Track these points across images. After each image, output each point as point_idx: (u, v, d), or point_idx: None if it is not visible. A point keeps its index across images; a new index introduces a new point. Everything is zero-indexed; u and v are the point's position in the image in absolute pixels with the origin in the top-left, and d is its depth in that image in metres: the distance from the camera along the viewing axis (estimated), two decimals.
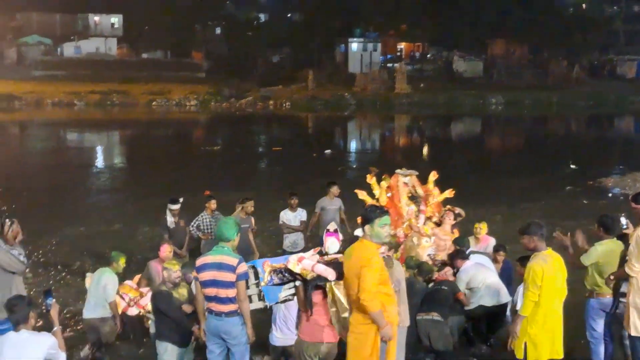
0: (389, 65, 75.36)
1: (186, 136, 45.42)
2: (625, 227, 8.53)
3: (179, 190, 17.76)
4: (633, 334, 7.70)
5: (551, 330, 7.21)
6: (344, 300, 7.14)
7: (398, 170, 11.46)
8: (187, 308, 8.44)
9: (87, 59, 75.13)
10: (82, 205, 21.15)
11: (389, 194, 11.33)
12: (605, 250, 8.18)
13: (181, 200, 12.79)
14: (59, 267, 13.97)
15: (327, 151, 34.31)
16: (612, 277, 7.98)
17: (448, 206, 11.56)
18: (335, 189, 13.43)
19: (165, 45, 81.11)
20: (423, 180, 11.47)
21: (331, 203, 13.42)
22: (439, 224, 11.22)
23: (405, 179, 11.28)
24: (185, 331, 8.34)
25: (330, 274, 7.22)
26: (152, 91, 65.45)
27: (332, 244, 8.39)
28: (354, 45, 78.67)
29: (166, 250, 10.27)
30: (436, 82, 68.25)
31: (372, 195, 11.58)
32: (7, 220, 8.01)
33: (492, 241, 11.26)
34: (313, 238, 13.92)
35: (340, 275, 7.10)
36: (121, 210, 20.04)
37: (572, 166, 28.13)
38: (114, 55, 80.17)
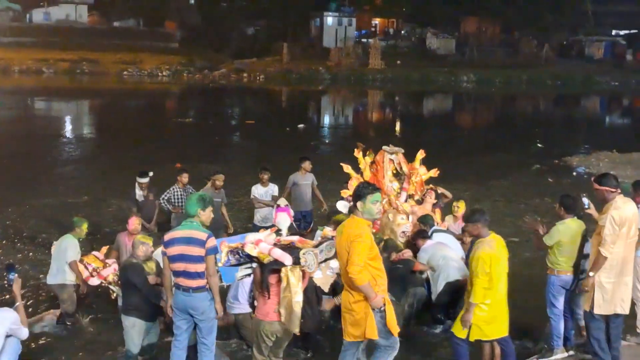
0: (364, 40, 75.17)
1: (158, 107, 45.02)
2: (587, 207, 8.67)
3: (150, 162, 17.75)
4: (596, 311, 7.84)
5: (498, 311, 7.40)
6: (298, 285, 7.21)
7: (385, 147, 11.44)
8: (152, 279, 8.51)
9: (56, 26, 73.71)
10: (49, 175, 20.93)
11: (373, 170, 11.39)
12: (566, 229, 8.35)
13: (150, 174, 12.76)
14: (24, 238, 13.86)
15: (301, 125, 34.30)
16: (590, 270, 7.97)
17: (430, 185, 11.62)
18: (307, 164, 13.46)
19: (137, 13, 79.91)
20: (409, 158, 11.47)
21: (303, 178, 13.45)
22: (421, 203, 11.30)
23: (391, 156, 11.30)
24: (154, 305, 8.40)
25: (287, 259, 7.20)
26: (123, 60, 64.70)
27: (283, 219, 8.52)
28: (329, 20, 78.22)
29: (134, 222, 10.26)
30: (409, 58, 68.31)
31: (357, 170, 11.62)
32: None
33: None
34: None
35: (296, 261, 7.20)
36: (89, 182, 19.88)
37: (539, 144, 28.43)
38: (84, 22, 78.80)
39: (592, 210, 8.62)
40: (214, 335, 7.43)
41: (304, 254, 7.27)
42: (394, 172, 11.37)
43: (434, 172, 11.62)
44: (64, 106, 43.16)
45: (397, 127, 39.94)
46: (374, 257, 6.72)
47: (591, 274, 7.75)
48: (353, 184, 11.13)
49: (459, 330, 7.49)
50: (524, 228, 10.77)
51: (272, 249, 7.30)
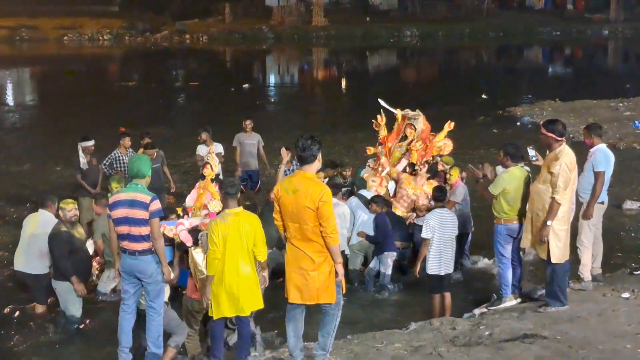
0: None
1: (100, 72, 44.20)
2: (535, 158, 8.76)
3: (93, 128, 17.46)
4: (553, 260, 7.98)
5: (235, 286, 7.23)
6: (201, 264, 7.48)
7: (406, 111, 11.46)
8: (90, 247, 8.67)
9: None
10: None
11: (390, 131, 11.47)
12: (510, 178, 8.48)
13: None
14: None
15: (246, 85, 34.09)
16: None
17: (438, 160, 11.27)
18: (247, 123, 13.45)
19: None
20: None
21: (248, 137, 13.46)
22: (415, 174, 11.17)
23: (412, 121, 11.29)
24: (87, 268, 8.81)
25: (188, 240, 7.89)
26: (63, 25, 63.17)
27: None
28: None
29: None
30: (352, 15, 67.99)
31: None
32: None
33: (460, 188, 10.57)
34: (231, 173, 14.00)
35: (195, 242, 7.78)
36: (32, 150, 19.57)
37: (483, 96, 28.73)
38: None
39: (540, 162, 8.76)
40: (162, 298, 7.38)
41: (201, 236, 7.76)
42: (403, 135, 11.39)
43: (449, 125, 11.55)
44: (3, 74, 42.04)
45: (343, 84, 39.94)
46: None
47: (548, 222, 7.88)
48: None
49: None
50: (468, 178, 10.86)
51: (180, 231, 8.01)
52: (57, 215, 9.00)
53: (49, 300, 9.25)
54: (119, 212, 7.12)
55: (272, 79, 42.58)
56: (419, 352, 7.10)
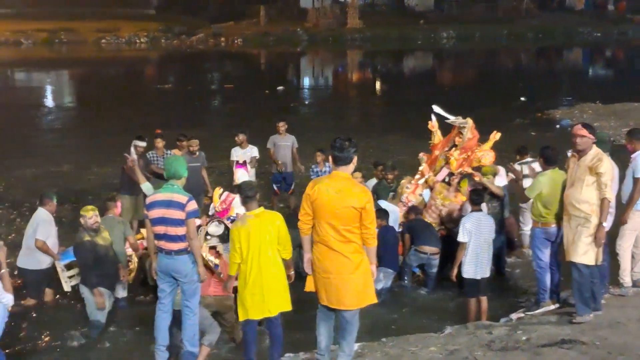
0: (341, 0, 74.56)
1: (137, 74, 44.63)
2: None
3: (130, 130, 17.60)
4: (598, 263, 7.80)
5: (259, 287, 7.20)
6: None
7: (455, 119, 11.12)
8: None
9: None
10: (30, 145, 20.82)
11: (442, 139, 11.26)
12: (547, 181, 8.37)
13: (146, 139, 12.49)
14: (8, 208, 13.84)
15: (280, 88, 34.15)
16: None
17: (474, 173, 10.61)
18: (281, 125, 13.45)
19: None
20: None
21: (282, 139, 13.47)
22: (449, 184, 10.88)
23: (462, 130, 10.94)
24: (113, 273, 8.86)
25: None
26: (101, 29, 63.87)
27: (241, 174, 8.78)
28: None
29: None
30: (388, 16, 67.84)
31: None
32: None
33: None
34: (266, 175, 14.02)
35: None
36: (71, 151, 19.81)
37: (522, 98, 28.45)
38: None
39: None
40: (197, 297, 7.44)
41: (200, 230, 8.25)
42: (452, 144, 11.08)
43: (494, 136, 11.01)
44: (43, 76, 42.64)
45: (377, 87, 39.85)
46: None
47: (605, 224, 7.66)
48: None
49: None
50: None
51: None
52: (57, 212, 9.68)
53: (54, 295, 9.61)
54: (156, 213, 7.20)
55: (306, 82, 42.64)
56: (454, 355, 7.04)
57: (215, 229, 8.72)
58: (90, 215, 8.60)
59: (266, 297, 7.20)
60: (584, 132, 7.71)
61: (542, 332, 7.46)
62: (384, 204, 10.34)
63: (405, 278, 10.15)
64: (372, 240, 6.49)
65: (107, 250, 8.81)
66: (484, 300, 8.80)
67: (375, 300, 6.65)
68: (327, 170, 12.65)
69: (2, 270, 6.62)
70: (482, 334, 7.72)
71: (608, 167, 7.67)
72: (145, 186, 10.18)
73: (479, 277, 8.69)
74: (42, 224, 9.40)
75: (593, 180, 7.64)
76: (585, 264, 7.72)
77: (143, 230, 9.87)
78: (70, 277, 9.61)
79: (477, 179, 10.26)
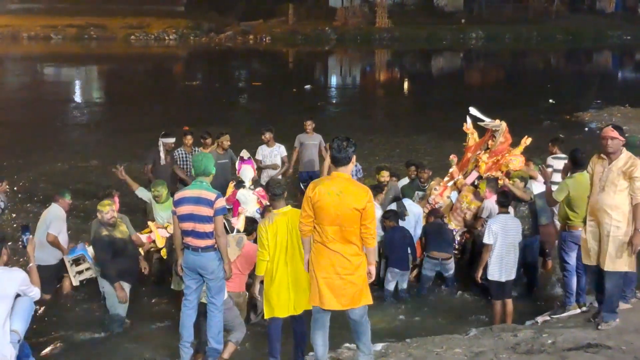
0: None
1: (165, 71, 44.87)
2: None
3: (158, 126, 17.69)
4: (630, 269, 7.64)
5: (285, 285, 7.23)
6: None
7: (487, 123, 10.94)
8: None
9: None
10: (59, 140, 21.06)
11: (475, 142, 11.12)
12: (575, 184, 8.28)
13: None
14: (36, 202, 13.97)
15: (307, 86, 34.18)
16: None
17: (499, 177, 10.45)
18: (308, 124, 13.43)
19: None
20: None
21: (310, 138, 13.45)
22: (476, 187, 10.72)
23: (495, 133, 10.79)
24: (134, 267, 8.85)
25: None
26: (130, 25, 64.34)
27: (246, 170, 8.82)
28: None
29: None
30: (417, 16, 67.58)
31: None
32: None
33: (487, 203, 10.01)
34: (293, 173, 14.02)
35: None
36: (98, 146, 19.97)
37: (551, 100, 28.24)
38: None
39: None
40: (223, 295, 7.48)
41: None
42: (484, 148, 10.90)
43: (525, 141, 10.85)
44: (72, 72, 43.07)
45: (406, 86, 39.74)
46: None
47: None
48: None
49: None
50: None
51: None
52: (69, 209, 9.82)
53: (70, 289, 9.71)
54: (184, 209, 7.23)
55: (333, 80, 42.61)
56: (479, 358, 7.01)
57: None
58: (107, 210, 8.57)
59: (292, 295, 7.22)
60: (615, 133, 7.45)
61: (567, 336, 7.40)
62: (407, 202, 10.27)
63: (425, 287, 10.08)
64: (371, 240, 6.45)
65: (126, 244, 8.78)
66: (509, 302, 8.76)
67: (370, 302, 6.60)
68: (354, 169, 12.64)
69: (31, 264, 6.68)
70: (507, 336, 7.68)
71: None
72: (140, 191, 10.30)
73: (504, 280, 8.65)
74: (55, 220, 9.53)
75: (626, 185, 7.39)
76: (620, 273, 7.54)
77: (151, 224, 9.91)
78: (79, 272, 9.67)
79: (500, 182, 10.15)
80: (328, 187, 6.38)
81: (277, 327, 7.44)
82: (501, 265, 8.62)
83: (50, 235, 9.41)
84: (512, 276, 8.77)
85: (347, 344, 7.66)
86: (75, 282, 9.66)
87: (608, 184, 7.47)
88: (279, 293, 7.21)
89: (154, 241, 9.88)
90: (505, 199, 9.01)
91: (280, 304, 7.24)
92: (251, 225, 8.93)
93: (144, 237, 9.68)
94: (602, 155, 7.61)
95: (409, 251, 9.81)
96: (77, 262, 9.67)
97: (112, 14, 65.35)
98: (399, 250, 9.73)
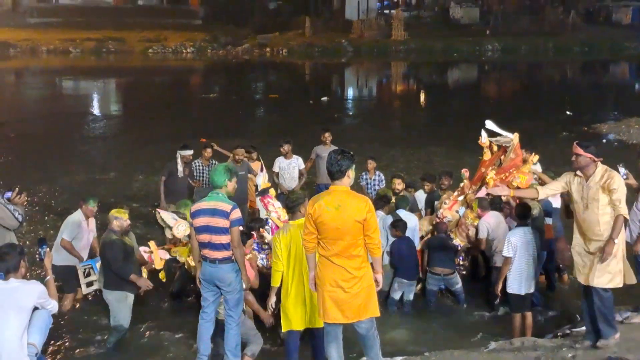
0: (386, 12, 74.51)
1: (183, 83, 45.09)
2: (625, 177, 8.42)
3: (175, 138, 17.78)
4: (627, 282, 7.61)
5: (301, 297, 7.21)
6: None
7: (499, 139, 10.74)
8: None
9: (82, 6, 73.81)
10: (77, 152, 21.19)
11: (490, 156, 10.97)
12: None
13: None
14: (54, 214, 14.02)
15: (324, 98, 34.22)
16: None
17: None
18: (327, 135, 13.41)
19: None
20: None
21: (326, 150, 13.36)
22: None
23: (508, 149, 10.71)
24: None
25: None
26: (148, 38, 64.77)
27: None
28: None
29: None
30: (433, 28, 67.59)
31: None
32: (17, 188, 8.10)
33: (482, 224, 9.94)
34: (309, 185, 14.01)
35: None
36: (116, 158, 20.08)
37: (568, 112, 28.11)
38: (109, 2, 78.87)
39: (631, 180, 8.40)
40: (241, 307, 7.47)
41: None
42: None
43: (531, 160, 10.40)
44: (91, 85, 43.36)
45: (422, 98, 39.70)
46: None
47: (616, 240, 7.29)
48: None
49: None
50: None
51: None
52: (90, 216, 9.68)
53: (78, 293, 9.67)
54: (201, 221, 7.22)
55: (350, 92, 42.63)
56: None
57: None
58: (126, 217, 8.60)
59: (309, 308, 7.19)
60: (579, 150, 7.43)
61: (588, 349, 7.33)
62: (402, 213, 10.15)
63: (431, 302, 10.00)
64: (377, 250, 6.41)
65: (133, 253, 8.74)
66: (529, 315, 8.69)
67: (377, 314, 6.54)
68: (376, 179, 12.62)
69: (48, 277, 6.67)
70: (527, 350, 7.60)
71: (620, 182, 7.40)
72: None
73: (523, 293, 8.58)
74: (70, 225, 9.53)
75: (608, 199, 7.35)
76: (604, 288, 7.44)
77: (151, 244, 9.58)
78: (89, 284, 9.55)
79: (504, 198, 10.01)
80: (326, 202, 6.34)
81: (294, 340, 7.41)
82: (521, 278, 8.55)
83: (63, 240, 9.43)
84: (532, 289, 8.70)
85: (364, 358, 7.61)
86: (85, 291, 9.63)
87: (590, 200, 7.41)
88: (295, 305, 7.19)
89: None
90: (524, 211, 8.94)
91: (297, 316, 7.21)
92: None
93: (146, 256, 9.52)
94: (578, 173, 7.56)
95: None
96: (88, 272, 9.64)
97: (130, 28, 65.87)
98: (407, 260, 9.69)
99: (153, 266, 9.33)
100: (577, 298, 9.58)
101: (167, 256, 9.45)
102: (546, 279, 10.01)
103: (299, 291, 7.15)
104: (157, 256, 9.32)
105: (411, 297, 9.81)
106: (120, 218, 8.55)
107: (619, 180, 7.44)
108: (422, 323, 9.32)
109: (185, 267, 9.46)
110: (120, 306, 8.49)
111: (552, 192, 8.08)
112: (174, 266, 9.89)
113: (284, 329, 7.35)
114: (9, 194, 8.01)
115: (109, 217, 8.68)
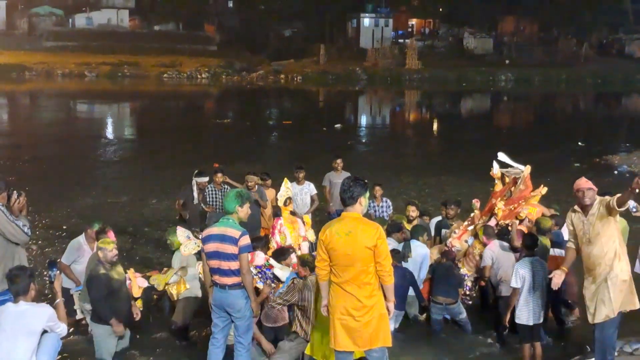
0: (400, 41, 74.95)
1: (197, 109, 45.38)
2: (635, 210, 8.42)
3: (189, 163, 17.88)
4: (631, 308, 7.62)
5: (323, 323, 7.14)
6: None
7: (509, 171, 10.66)
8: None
9: (98, 31, 74.78)
10: (90, 176, 21.26)
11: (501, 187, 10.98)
12: None
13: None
14: (64, 237, 14.04)
15: (338, 125, 34.33)
16: None
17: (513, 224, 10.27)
18: (338, 162, 13.46)
19: (177, 17, 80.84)
20: None
21: (339, 177, 13.41)
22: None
23: (518, 180, 10.71)
24: (126, 308, 8.29)
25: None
26: (163, 63, 65.37)
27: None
28: (366, 21, 78.12)
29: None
30: (447, 58, 67.91)
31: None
32: (14, 192, 7.67)
33: (487, 252, 9.86)
34: (321, 212, 14.02)
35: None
36: (129, 182, 20.13)
37: (580, 143, 28.10)
38: (125, 27, 79.81)
39: None
40: (251, 334, 7.45)
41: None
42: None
43: (540, 191, 10.59)
44: (105, 108, 43.72)
45: (435, 127, 39.76)
46: None
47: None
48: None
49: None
50: None
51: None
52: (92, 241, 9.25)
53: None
54: (210, 246, 7.22)
55: (363, 120, 42.78)
56: None
57: (281, 272, 8.53)
58: (111, 248, 8.15)
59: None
60: (590, 184, 7.41)
61: None
62: (415, 243, 10.11)
63: (437, 330, 9.94)
64: (388, 277, 6.40)
65: (121, 285, 8.32)
66: (538, 346, 8.63)
67: (389, 344, 6.53)
68: (383, 206, 12.64)
69: (58, 300, 6.67)
70: None
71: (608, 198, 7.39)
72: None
73: (532, 323, 8.54)
74: (69, 249, 9.41)
75: (609, 223, 7.33)
76: (615, 320, 7.44)
77: (130, 272, 9.33)
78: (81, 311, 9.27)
79: (512, 228, 10.04)
80: (337, 228, 6.37)
81: None
82: (529, 308, 8.52)
83: (60, 263, 9.25)
84: (541, 320, 8.66)
85: None
86: (79, 315, 9.47)
87: (593, 235, 7.39)
88: (322, 337, 7.19)
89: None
90: (532, 241, 8.92)
91: (321, 347, 7.23)
92: (282, 255, 8.91)
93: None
94: (575, 208, 7.55)
95: (412, 292, 9.71)
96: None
97: (145, 53, 66.52)
98: (396, 289, 9.63)
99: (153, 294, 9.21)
100: (587, 328, 9.55)
101: (146, 284, 9.29)
102: (553, 313, 9.93)
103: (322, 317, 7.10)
104: (135, 284, 9.10)
105: (397, 325, 9.72)
106: (104, 249, 8.13)
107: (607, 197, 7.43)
108: (430, 353, 9.27)
109: (168, 294, 9.36)
110: (105, 340, 8.12)
111: (573, 239, 7.97)
112: (152, 294, 9.76)
113: (307, 351, 7.36)
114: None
115: (96, 248, 8.36)
